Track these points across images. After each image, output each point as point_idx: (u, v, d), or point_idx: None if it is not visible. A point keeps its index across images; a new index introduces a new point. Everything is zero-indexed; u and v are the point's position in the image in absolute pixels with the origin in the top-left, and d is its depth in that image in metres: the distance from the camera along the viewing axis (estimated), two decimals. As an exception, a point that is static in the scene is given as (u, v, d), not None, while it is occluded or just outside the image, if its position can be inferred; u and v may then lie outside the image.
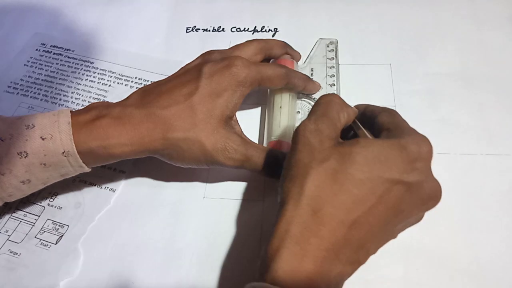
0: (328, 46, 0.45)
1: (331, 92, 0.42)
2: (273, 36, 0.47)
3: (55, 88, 0.45)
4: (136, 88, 0.44)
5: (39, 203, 0.37)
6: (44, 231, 0.36)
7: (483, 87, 0.41)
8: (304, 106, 0.41)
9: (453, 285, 0.31)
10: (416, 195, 0.26)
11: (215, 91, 0.33)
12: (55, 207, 0.37)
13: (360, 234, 0.25)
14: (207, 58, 0.37)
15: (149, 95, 0.34)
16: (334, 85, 0.42)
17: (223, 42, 0.47)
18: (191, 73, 0.35)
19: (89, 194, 0.38)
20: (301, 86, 0.39)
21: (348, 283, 0.32)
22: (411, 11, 0.48)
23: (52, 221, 0.36)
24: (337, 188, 0.25)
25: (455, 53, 0.44)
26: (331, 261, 0.25)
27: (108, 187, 0.38)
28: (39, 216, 0.37)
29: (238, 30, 0.48)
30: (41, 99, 0.44)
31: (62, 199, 0.37)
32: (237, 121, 0.36)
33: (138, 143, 0.32)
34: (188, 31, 0.49)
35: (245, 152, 0.34)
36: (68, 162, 0.31)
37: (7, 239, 0.35)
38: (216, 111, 0.33)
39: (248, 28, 0.48)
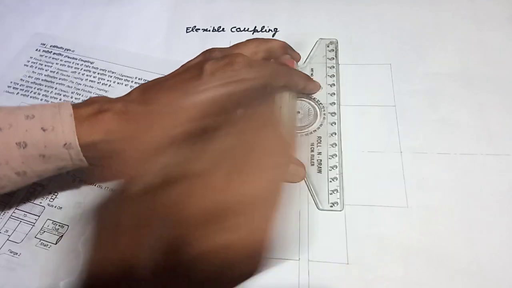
0: (328, 46, 0.45)
1: (331, 92, 0.42)
2: (273, 36, 0.47)
3: (55, 88, 0.45)
4: (136, 88, 0.44)
5: (39, 203, 0.37)
6: (44, 231, 0.36)
7: (483, 87, 0.41)
8: (304, 106, 0.41)
9: (453, 285, 0.31)
10: None
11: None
12: (55, 207, 0.37)
13: None
14: (208, 55, 0.37)
15: (150, 91, 0.34)
16: (334, 85, 0.42)
17: (223, 42, 0.47)
18: (192, 70, 0.35)
19: (89, 194, 0.38)
20: (301, 85, 0.39)
21: (348, 283, 0.32)
22: (411, 11, 0.48)
23: (52, 221, 0.36)
24: None
25: (455, 53, 0.44)
26: None
27: (108, 187, 0.38)
28: (39, 216, 0.37)
29: (238, 30, 0.48)
30: (41, 99, 0.44)
31: (62, 199, 0.37)
32: None
33: None
34: (188, 31, 0.49)
35: None
36: (69, 155, 0.31)
37: (7, 239, 0.35)
38: None
39: (248, 28, 0.48)
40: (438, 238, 0.33)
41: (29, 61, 0.47)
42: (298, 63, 0.43)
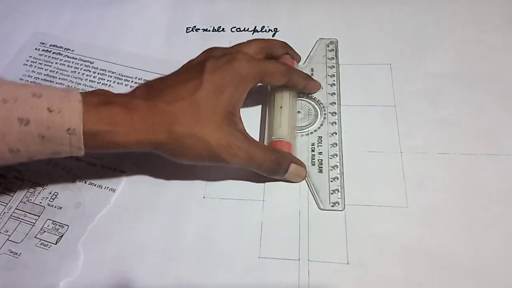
0: (328, 46, 0.45)
1: (331, 92, 0.42)
2: (273, 36, 0.47)
3: (55, 88, 0.45)
4: (136, 88, 0.44)
5: (39, 203, 0.37)
6: (44, 231, 0.36)
7: (483, 87, 0.41)
8: (304, 106, 0.41)
9: (453, 285, 0.31)
10: None
11: (219, 87, 0.34)
12: (55, 207, 0.37)
13: None
14: (209, 54, 0.37)
15: (154, 89, 0.34)
16: (334, 85, 0.42)
17: (223, 42, 0.47)
18: (194, 69, 0.35)
19: (89, 194, 0.38)
20: (302, 84, 0.40)
21: (348, 283, 0.32)
22: (411, 11, 0.48)
23: (52, 221, 0.36)
24: None
25: (455, 53, 0.44)
26: None
27: (108, 187, 0.38)
28: (39, 216, 0.36)
29: (238, 30, 0.48)
30: (41, 99, 0.44)
31: (62, 199, 0.37)
32: (241, 118, 0.36)
33: (144, 134, 0.32)
34: (188, 31, 0.49)
35: (248, 149, 0.34)
36: (69, 141, 0.30)
37: (7, 239, 0.35)
38: (220, 107, 0.33)
39: (248, 28, 0.48)
40: (438, 238, 0.33)
41: (28, 60, 0.47)
42: (299, 63, 0.43)
